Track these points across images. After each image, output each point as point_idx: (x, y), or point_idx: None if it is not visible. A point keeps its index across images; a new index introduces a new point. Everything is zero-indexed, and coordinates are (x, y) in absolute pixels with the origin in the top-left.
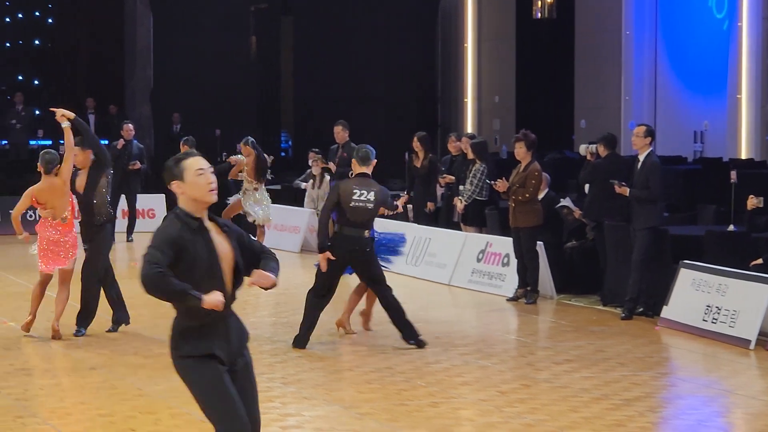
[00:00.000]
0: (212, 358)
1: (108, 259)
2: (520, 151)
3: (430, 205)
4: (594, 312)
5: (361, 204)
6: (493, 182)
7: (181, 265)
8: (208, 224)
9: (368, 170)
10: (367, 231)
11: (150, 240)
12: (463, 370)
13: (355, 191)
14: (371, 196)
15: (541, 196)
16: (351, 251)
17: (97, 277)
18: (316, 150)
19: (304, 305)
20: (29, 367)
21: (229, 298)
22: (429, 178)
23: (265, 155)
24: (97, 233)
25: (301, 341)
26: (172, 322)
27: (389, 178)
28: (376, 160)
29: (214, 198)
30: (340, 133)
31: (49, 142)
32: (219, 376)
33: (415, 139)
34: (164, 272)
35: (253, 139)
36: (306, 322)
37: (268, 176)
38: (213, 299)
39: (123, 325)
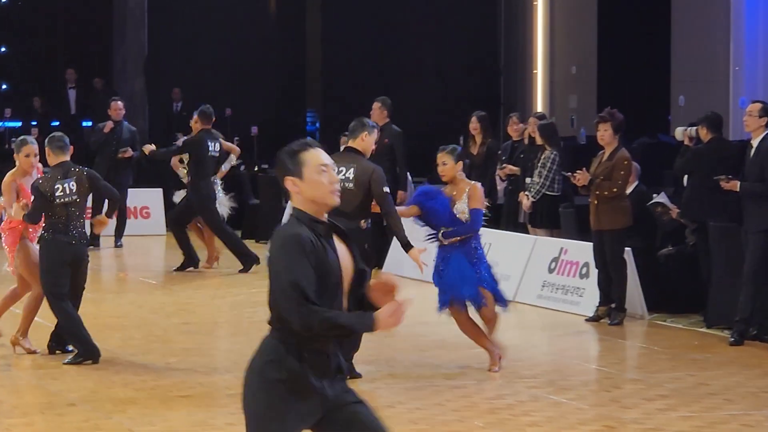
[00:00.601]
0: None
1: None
2: (606, 135)
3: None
4: (695, 335)
5: (340, 185)
6: (570, 174)
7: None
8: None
9: (357, 145)
10: (362, 221)
11: (274, 260)
12: (531, 408)
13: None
14: (350, 173)
15: (629, 190)
16: None
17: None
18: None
19: None
20: None
21: None
22: (486, 168)
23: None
24: None
25: None
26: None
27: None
28: (372, 135)
29: (336, 200)
30: (379, 112)
31: (19, 124)
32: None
33: (474, 119)
34: (323, 313)
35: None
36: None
37: (232, 164)
38: (389, 318)
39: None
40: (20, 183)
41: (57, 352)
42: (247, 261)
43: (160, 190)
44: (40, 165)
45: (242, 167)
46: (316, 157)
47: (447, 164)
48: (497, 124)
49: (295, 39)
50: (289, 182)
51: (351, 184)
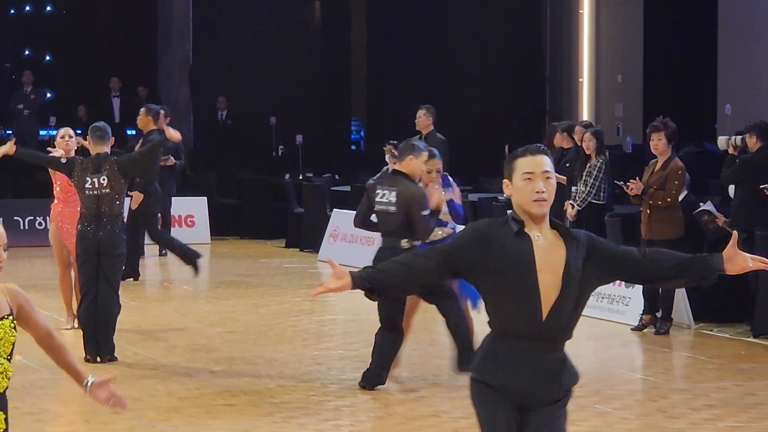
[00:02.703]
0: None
1: None
2: (659, 144)
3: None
4: (742, 345)
5: (382, 208)
6: (623, 183)
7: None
8: (541, 233)
9: (403, 168)
10: (404, 241)
11: None
12: (576, 417)
13: (378, 192)
14: (392, 197)
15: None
16: None
17: None
18: (394, 142)
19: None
20: (39, 411)
21: (544, 326)
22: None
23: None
24: None
25: (371, 379)
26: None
27: (486, 177)
28: (420, 158)
29: (539, 210)
30: (423, 119)
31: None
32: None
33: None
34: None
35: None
36: (378, 362)
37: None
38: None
39: None
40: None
41: (98, 360)
42: (192, 262)
43: (204, 198)
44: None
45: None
46: (526, 163)
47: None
48: (542, 133)
49: (340, 48)
50: (504, 185)
51: (393, 207)
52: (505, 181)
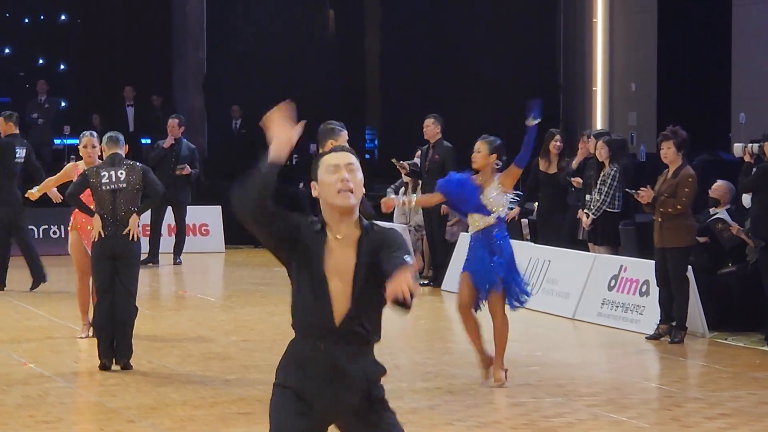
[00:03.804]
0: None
1: None
2: (669, 153)
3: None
4: (756, 354)
5: None
6: (634, 191)
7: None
8: (343, 234)
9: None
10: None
11: None
12: (591, 426)
13: None
14: None
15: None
16: None
17: None
18: (400, 161)
19: None
20: (54, 420)
21: (339, 330)
22: (565, 186)
23: None
24: None
25: None
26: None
27: None
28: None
29: (344, 201)
30: (432, 128)
31: (77, 141)
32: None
33: (558, 137)
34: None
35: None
36: None
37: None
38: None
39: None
40: (79, 171)
41: (114, 363)
42: (36, 279)
43: (219, 207)
44: (98, 161)
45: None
46: (330, 158)
47: (480, 152)
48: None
49: (353, 56)
50: (312, 186)
51: None
52: (313, 183)
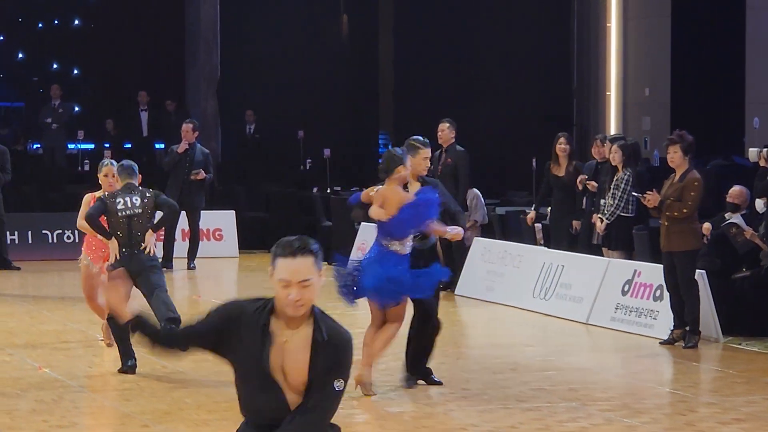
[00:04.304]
0: None
1: None
2: (675, 157)
3: (576, 224)
4: None
5: None
6: (641, 195)
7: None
8: (292, 333)
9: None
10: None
11: None
12: (605, 431)
13: None
14: None
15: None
16: None
17: None
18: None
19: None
20: (68, 425)
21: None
22: (574, 189)
23: None
24: None
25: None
26: None
27: (513, 190)
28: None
29: (294, 313)
30: (447, 132)
31: (91, 146)
32: None
33: (563, 139)
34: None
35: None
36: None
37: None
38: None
39: None
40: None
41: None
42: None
43: (233, 212)
44: (118, 187)
45: None
46: (285, 267)
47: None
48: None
49: (367, 61)
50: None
51: None
52: (270, 267)
